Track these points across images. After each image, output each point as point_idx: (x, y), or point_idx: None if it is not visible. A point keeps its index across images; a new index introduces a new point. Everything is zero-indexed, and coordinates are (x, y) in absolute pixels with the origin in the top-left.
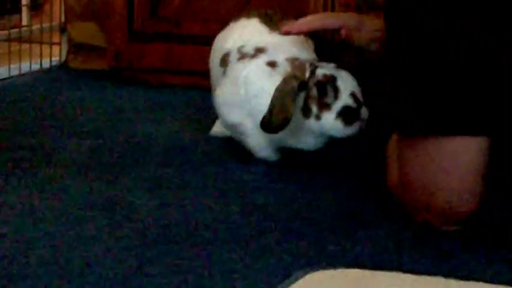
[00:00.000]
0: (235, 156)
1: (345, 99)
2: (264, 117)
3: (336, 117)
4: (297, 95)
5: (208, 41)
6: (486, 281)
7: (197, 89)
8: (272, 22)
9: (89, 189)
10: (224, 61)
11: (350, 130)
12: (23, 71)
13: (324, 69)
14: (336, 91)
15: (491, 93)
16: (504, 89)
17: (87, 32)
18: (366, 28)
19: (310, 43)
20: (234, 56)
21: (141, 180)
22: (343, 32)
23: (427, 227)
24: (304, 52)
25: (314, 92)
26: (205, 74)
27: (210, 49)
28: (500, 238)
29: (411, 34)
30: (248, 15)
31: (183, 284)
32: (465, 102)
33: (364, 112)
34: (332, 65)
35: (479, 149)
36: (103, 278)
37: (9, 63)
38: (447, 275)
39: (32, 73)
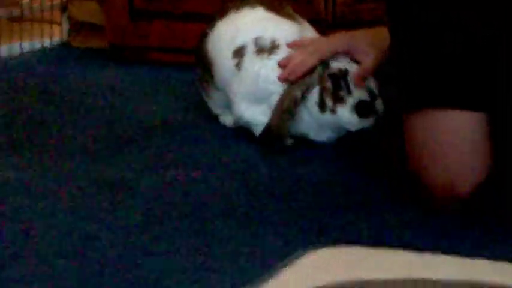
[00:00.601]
0: (238, 133)
1: (358, 93)
2: (263, 131)
3: (351, 110)
4: (299, 104)
5: (210, 19)
6: (487, 258)
7: None
8: (276, 9)
9: (91, 168)
10: (239, 53)
11: (365, 123)
12: (24, 50)
13: (338, 63)
14: (348, 85)
15: (487, 77)
16: (498, 78)
17: (88, 10)
18: (357, 49)
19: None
20: (250, 48)
21: (143, 159)
22: (356, 81)
23: (430, 205)
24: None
25: (329, 84)
26: None
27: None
28: (501, 216)
29: (409, 26)
30: (251, 5)
31: (186, 263)
32: (461, 80)
33: (379, 105)
34: (346, 59)
35: (476, 125)
36: (106, 258)
37: (10, 42)
38: (449, 251)
39: (33, 52)
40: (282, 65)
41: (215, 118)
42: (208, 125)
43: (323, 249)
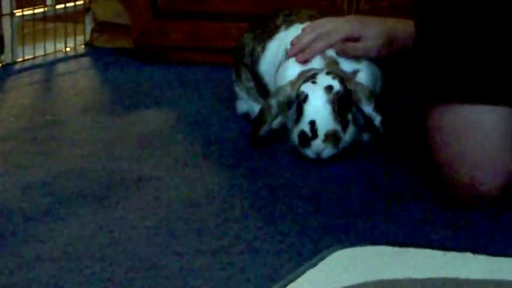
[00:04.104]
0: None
1: (303, 125)
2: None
3: (296, 135)
4: (272, 113)
5: (233, 18)
6: None
7: (223, 66)
8: None
9: (115, 168)
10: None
11: (307, 153)
12: (47, 51)
13: (311, 83)
14: (301, 113)
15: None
16: None
17: (111, 10)
18: (367, 36)
19: None
20: None
21: (167, 158)
22: (337, 49)
23: (456, 204)
24: None
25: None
26: (230, 51)
27: (245, 31)
28: None
29: (437, 23)
30: (301, 20)
31: (211, 263)
32: (486, 75)
33: (315, 145)
34: (326, 75)
35: (502, 121)
36: (130, 257)
37: (34, 43)
38: (476, 250)
39: (56, 52)
40: (293, 43)
41: (239, 117)
42: (233, 124)
43: (350, 248)
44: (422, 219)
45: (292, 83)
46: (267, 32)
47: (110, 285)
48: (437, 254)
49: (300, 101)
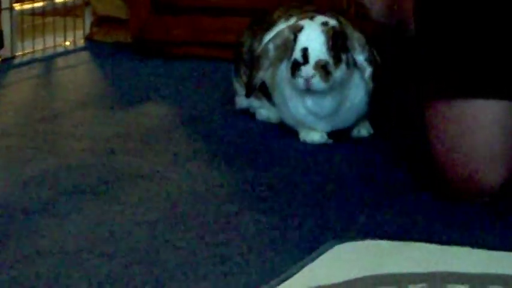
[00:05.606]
0: (262, 128)
1: (296, 53)
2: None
3: (289, 67)
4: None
5: (233, 13)
6: None
7: (223, 61)
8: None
9: (115, 162)
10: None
11: (296, 83)
12: (47, 45)
13: (309, 19)
14: (295, 43)
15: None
16: None
17: (110, 4)
18: None
19: None
20: None
21: (167, 153)
22: None
23: (456, 198)
24: None
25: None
26: (230, 45)
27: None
28: None
29: (438, 18)
30: (299, 14)
31: (211, 257)
32: (488, 65)
33: (305, 70)
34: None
35: (502, 115)
36: (132, 251)
37: (33, 37)
38: (475, 245)
39: (56, 46)
40: None
41: (238, 112)
42: (233, 119)
43: (349, 242)
44: (422, 213)
45: (290, 27)
46: (265, 27)
47: (109, 280)
48: (437, 248)
49: (295, 32)
